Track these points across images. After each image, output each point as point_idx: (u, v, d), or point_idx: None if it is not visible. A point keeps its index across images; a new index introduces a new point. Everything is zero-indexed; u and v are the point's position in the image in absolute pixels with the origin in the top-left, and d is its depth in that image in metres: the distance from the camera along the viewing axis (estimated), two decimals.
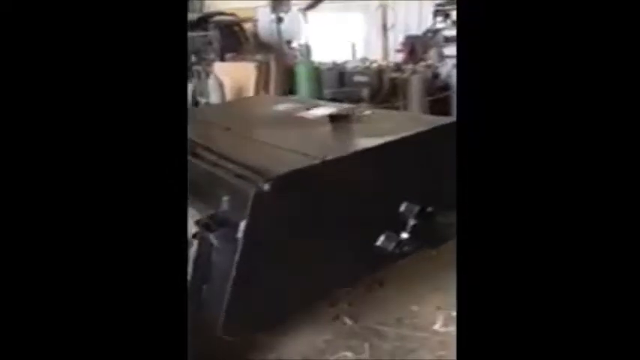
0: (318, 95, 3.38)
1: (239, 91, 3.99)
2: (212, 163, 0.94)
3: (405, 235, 0.98)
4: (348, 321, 1.13)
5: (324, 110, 1.27)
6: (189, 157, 0.99)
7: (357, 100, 3.76)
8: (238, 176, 0.84)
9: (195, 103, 4.21)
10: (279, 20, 4.42)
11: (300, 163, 0.86)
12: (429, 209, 1.01)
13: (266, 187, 0.76)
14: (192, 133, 1.16)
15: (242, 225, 0.76)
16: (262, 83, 4.04)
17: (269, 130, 1.18)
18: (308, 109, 1.31)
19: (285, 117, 1.27)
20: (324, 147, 0.98)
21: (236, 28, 4.97)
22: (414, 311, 1.15)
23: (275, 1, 4.29)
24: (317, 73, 3.48)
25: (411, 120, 1.12)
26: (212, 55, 4.61)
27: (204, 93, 4.06)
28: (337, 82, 3.91)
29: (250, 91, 3.95)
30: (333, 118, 1.13)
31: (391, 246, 0.96)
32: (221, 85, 3.79)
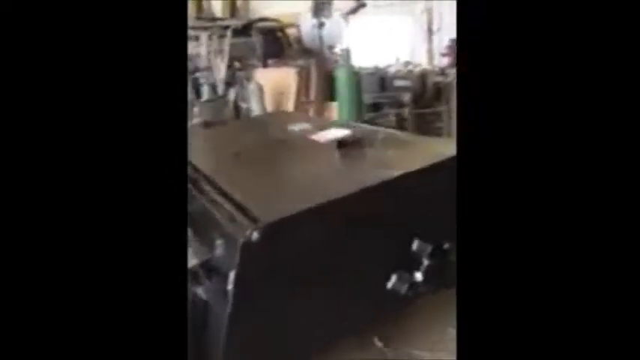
0: (358, 101, 3.30)
1: (279, 96, 3.99)
2: (210, 199, 0.90)
3: (418, 277, 0.89)
4: (378, 343, 1.02)
5: (337, 132, 1.20)
6: (191, 188, 0.97)
7: (398, 105, 3.64)
8: (231, 218, 0.79)
9: (237, 109, 4.28)
10: (321, 25, 4.38)
11: (299, 203, 0.79)
12: (446, 246, 0.91)
13: (255, 235, 0.70)
14: (198, 159, 1.15)
15: (232, 275, 0.71)
16: (303, 89, 4.01)
17: (277, 157, 1.12)
18: (321, 130, 1.24)
19: (297, 140, 1.21)
20: (327, 182, 0.91)
21: (279, 34, 4.98)
22: (451, 333, 1.02)
23: (317, 6, 4.25)
24: (357, 77, 3.40)
25: (429, 146, 1.02)
26: (255, 61, 4.67)
27: (246, 99, 4.10)
28: (378, 86, 3.81)
29: (291, 97, 3.94)
30: (341, 144, 1.05)
31: (404, 288, 0.87)
32: (261, 91, 3.81)
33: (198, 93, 4.42)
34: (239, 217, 0.77)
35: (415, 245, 0.89)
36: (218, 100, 4.32)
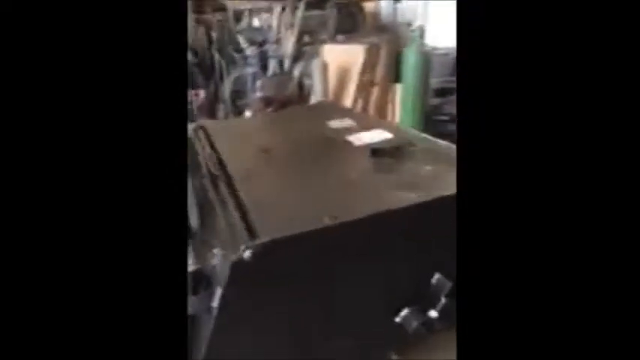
0: (424, 85, 3.05)
1: (344, 74, 3.87)
2: (222, 199, 0.86)
3: (433, 314, 0.80)
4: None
5: (378, 135, 1.10)
6: (207, 184, 0.94)
7: None
8: (233, 228, 0.74)
9: (301, 87, 4.22)
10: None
11: (308, 220, 0.72)
12: None
13: (247, 254, 0.64)
14: (225, 149, 1.11)
15: (218, 292, 0.67)
16: (369, 68, 3.85)
17: (305, 158, 1.05)
18: (364, 130, 1.15)
19: (332, 140, 1.12)
20: (347, 198, 0.82)
21: (354, 9, 4.79)
22: None
23: None
24: (425, 59, 3.11)
25: None
26: (326, 36, 4.54)
27: (311, 75, 4.03)
28: (450, 69, 3.54)
29: (355, 76, 3.80)
30: (375, 153, 0.96)
31: (413, 325, 0.79)
32: (325, 68, 3.70)
33: (265, 67, 4.42)
34: (240, 227, 0.72)
35: (435, 280, 0.79)
36: (283, 75, 4.28)
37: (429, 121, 2.96)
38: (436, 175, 0.85)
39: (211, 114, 4.34)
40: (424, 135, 1.14)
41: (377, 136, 1.09)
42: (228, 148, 1.11)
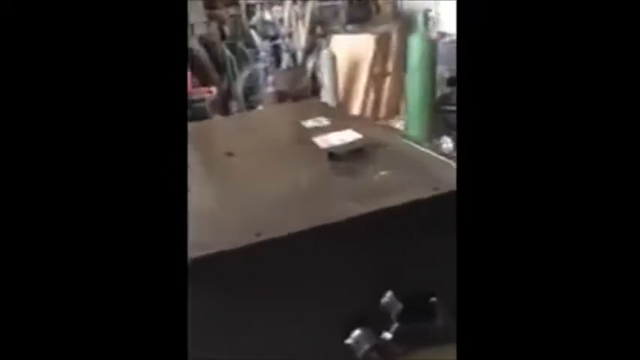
0: (430, 74, 2.88)
1: (354, 66, 3.77)
2: None
3: (387, 336, 0.73)
4: None
5: (345, 136, 1.03)
6: None
7: None
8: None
9: (314, 80, 4.13)
10: None
11: (246, 234, 0.67)
12: (432, 299, 0.73)
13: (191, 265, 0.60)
14: (191, 153, 1.06)
15: None
16: (380, 59, 3.73)
17: (266, 162, 0.99)
18: (337, 130, 1.08)
19: (299, 141, 1.07)
20: (296, 208, 0.76)
21: None
22: None
23: None
24: (432, 46, 2.92)
25: (439, 173, 0.81)
26: (338, 27, 4.43)
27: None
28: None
29: (365, 67, 3.69)
30: (332, 156, 0.89)
31: (363, 350, 0.72)
32: (333, 60, 3.61)
33: (278, 61, 4.35)
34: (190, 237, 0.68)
35: (385, 299, 0.72)
36: (295, 69, 4.21)
37: (438, 112, 2.82)
38: (388, 181, 0.78)
39: (224, 110, 4.33)
40: (403, 138, 1.06)
41: (345, 137, 1.02)
42: (191, 150, 1.07)
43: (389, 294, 0.72)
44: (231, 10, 5.00)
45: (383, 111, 3.80)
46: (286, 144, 1.07)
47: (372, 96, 3.74)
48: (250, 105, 4.38)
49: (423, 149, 0.88)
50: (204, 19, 4.97)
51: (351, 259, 0.70)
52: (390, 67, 3.76)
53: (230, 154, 1.05)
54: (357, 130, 1.06)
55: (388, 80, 3.76)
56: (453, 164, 0.79)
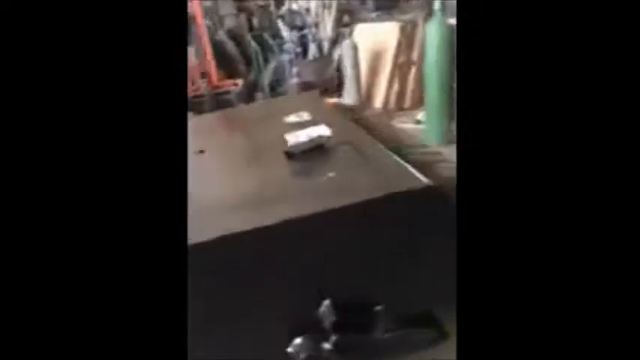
0: (448, 62, 2.72)
1: (377, 55, 3.66)
2: None
3: (326, 346, 0.69)
4: None
5: (315, 132, 1.00)
6: None
7: None
8: None
9: (339, 71, 4.06)
10: None
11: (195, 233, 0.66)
12: (378, 308, 0.69)
13: None
14: None
15: None
16: (405, 47, 3.60)
17: (231, 160, 0.98)
18: (315, 125, 1.05)
19: (272, 138, 1.05)
20: (248, 207, 0.75)
21: None
22: None
23: None
24: (450, 32, 2.76)
25: (397, 173, 0.76)
26: (363, 15, 4.32)
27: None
28: None
29: (389, 57, 3.58)
30: (289, 156, 0.86)
31: (301, 357, 0.69)
32: (355, 50, 3.52)
33: (305, 52, 4.31)
34: None
35: (323, 308, 0.68)
36: (321, 59, 4.15)
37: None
38: (335, 183, 0.74)
39: (250, 102, 4.36)
40: (363, 133, 1.01)
41: (315, 133, 0.99)
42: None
43: (326, 303, 0.68)
44: (260, 2, 5.00)
45: (407, 101, 3.68)
46: (259, 142, 1.05)
47: (395, 86, 3.62)
48: (276, 97, 4.38)
49: (384, 149, 0.84)
50: (234, 11, 5.01)
51: (285, 263, 0.67)
52: (415, 55, 3.62)
53: (201, 152, 1.04)
54: (331, 125, 1.02)
55: (413, 70, 3.63)
56: (409, 167, 0.74)
